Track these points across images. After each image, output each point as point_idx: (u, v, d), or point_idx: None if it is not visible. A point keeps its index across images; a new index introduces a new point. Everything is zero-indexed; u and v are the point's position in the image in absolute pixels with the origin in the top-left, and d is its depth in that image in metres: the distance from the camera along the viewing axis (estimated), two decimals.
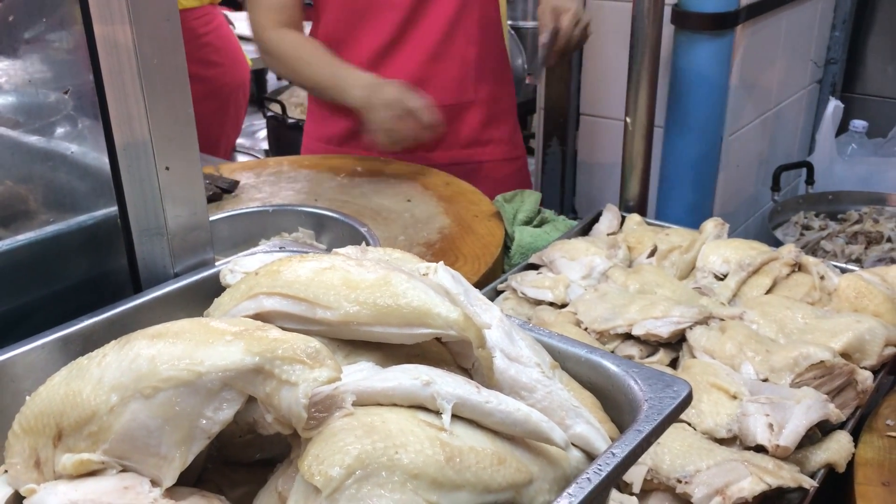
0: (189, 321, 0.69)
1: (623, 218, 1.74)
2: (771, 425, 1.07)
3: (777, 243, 1.64)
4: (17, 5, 0.93)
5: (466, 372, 0.75)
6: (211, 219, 1.07)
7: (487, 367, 0.73)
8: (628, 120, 1.89)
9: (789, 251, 1.48)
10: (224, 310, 0.78)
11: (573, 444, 0.73)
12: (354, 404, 0.64)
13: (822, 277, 1.43)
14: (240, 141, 4.22)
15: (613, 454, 0.68)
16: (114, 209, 0.97)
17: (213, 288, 0.92)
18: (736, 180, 2.59)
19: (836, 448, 1.11)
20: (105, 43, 0.90)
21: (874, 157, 2.79)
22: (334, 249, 0.88)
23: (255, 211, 1.62)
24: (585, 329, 1.33)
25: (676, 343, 1.31)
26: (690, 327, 1.29)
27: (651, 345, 1.31)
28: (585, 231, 1.73)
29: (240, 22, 3.82)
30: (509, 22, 2.23)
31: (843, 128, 2.85)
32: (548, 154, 2.78)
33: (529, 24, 3.48)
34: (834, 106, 2.75)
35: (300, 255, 0.80)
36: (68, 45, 0.93)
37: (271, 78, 5.39)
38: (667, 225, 1.69)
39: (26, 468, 0.68)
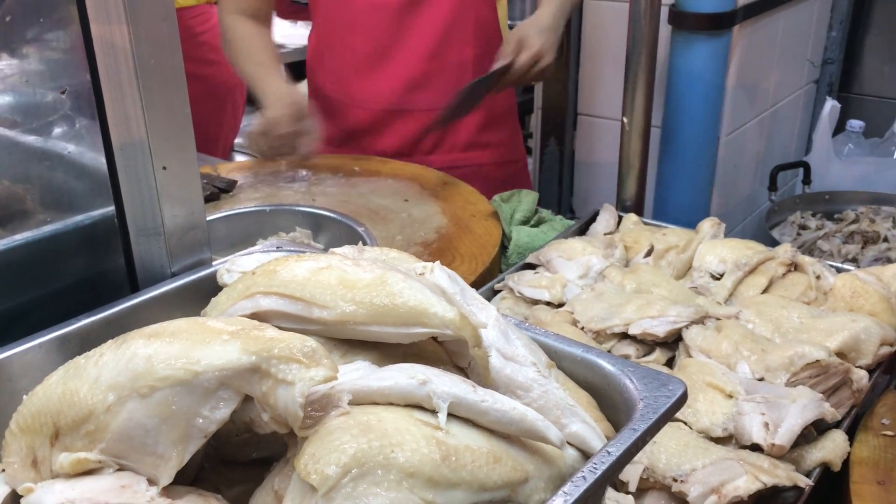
0: (186, 320, 0.69)
1: (620, 218, 1.74)
2: (766, 424, 1.07)
3: (774, 243, 1.64)
4: (15, 5, 0.94)
5: (462, 371, 0.75)
6: (208, 218, 1.07)
7: (483, 366, 0.74)
8: (625, 120, 1.89)
9: (785, 251, 1.49)
10: (221, 309, 0.78)
11: (569, 443, 0.73)
12: (351, 403, 0.65)
13: (818, 277, 1.43)
14: (238, 140, 4.21)
15: (609, 453, 0.68)
16: (111, 209, 0.97)
17: (211, 287, 0.92)
18: (733, 180, 2.60)
19: (832, 447, 1.11)
20: (102, 43, 0.90)
21: (871, 157, 2.80)
22: (331, 249, 0.88)
23: (253, 210, 1.63)
24: (582, 328, 1.33)
25: (673, 342, 1.32)
26: (687, 327, 1.29)
27: (647, 344, 1.31)
28: (582, 231, 1.73)
29: None
30: (508, 22, 2.23)
31: (839, 128, 2.86)
32: (545, 154, 2.78)
33: None
34: (831, 106, 2.76)
35: (297, 254, 0.80)
36: (65, 44, 0.93)
37: None
38: (664, 225, 1.70)
39: (23, 467, 0.69)
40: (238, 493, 0.71)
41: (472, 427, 0.67)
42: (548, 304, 1.45)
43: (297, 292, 0.73)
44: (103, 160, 0.95)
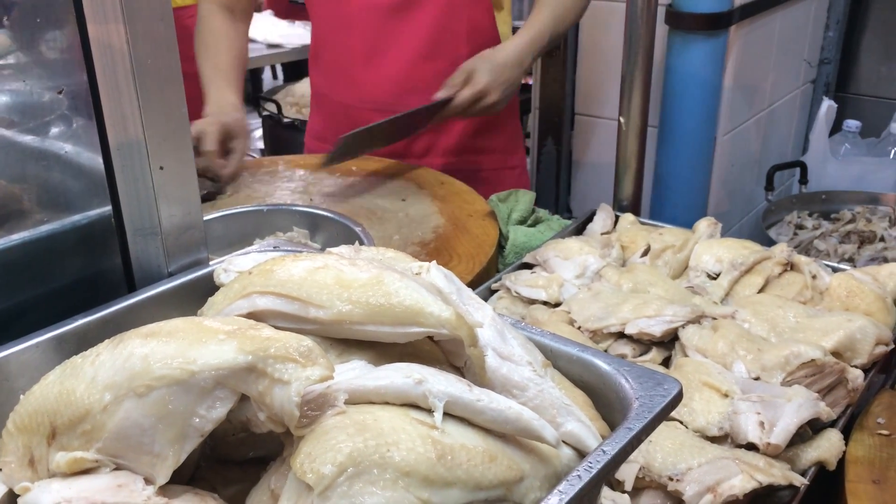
0: (182, 320, 0.69)
1: (617, 217, 1.75)
2: (762, 423, 1.08)
3: (770, 243, 1.64)
4: (12, 5, 0.94)
5: (458, 370, 0.75)
6: (205, 218, 1.07)
7: (479, 365, 0.74)
8: (622, 120, 1.89)
9: (781, 250, 1.49)
10: (217, 309, 0.79)
11: (564, 442, 0.73)
12: (347, 403, 0.65)
13: (813, 277, 1.44)
14: None
15: (604, 452, 0.68)
16: (108, 208, 0.97)
17: (207, 287, 0.92)
18: (730, 180, 2.60)
19: (827, 446, 1.12)
20: (99, 43, 0.90)
21: (867, 157, 2.80)
22: (328, 249, 0.88)
23: (250, 210, 1.63)
24: (579, 328, 1.34)
25: (669, 342, 1.32)
26: (683, 326, 1.30)
27: (644, 344, 1.32)
28: (579, 230, 1.73)
29: None
30: (515, 23, 2.23)
31: (836, 128, 2.86)
32: (543, 154, 2.79)
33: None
34: (827, 106, 2.76)
35: (294, 254, 0.80)
36: (62, 44, 0.93)
37: (267, 77, 5.40)
38: (660, 224, 1.70)
39: (20, 466, 0.69)
40: (234, 493, 0.72)
41: (468, 426, 0.67)
42: (545, 303, 1.45)
43: (294, 292, 0.73)
44: (100, 160, 0.95)
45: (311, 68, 2.25)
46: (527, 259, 1.58)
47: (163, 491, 0.66)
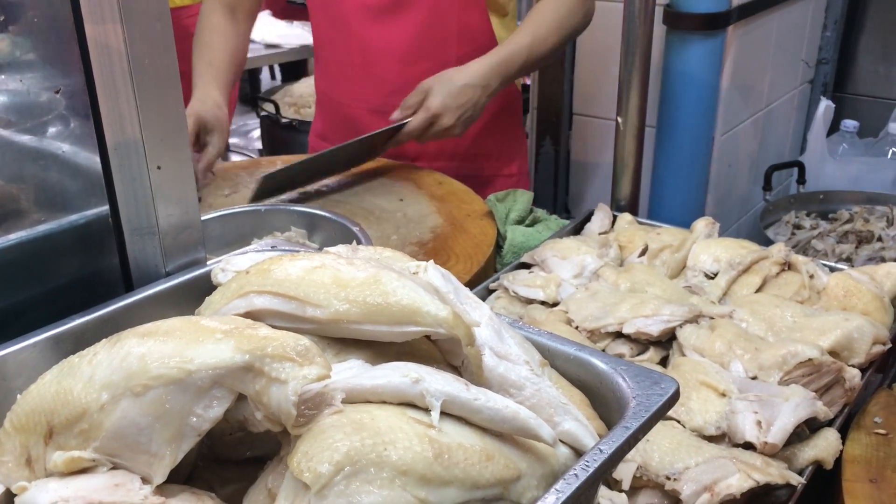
0: (180, 319, 0.69)
1: (615, 217, 1.75)
2: (759, 423, 1.08)
3: (768, 242, 1.65)
4: (9, 5, 0.94)
5: (456, 370, 0.75)
6: (203, 218, 1.07)
7: (476, 364, 0.74)
8: (620, 120, 1.90)
9: (779, 250, 1.49)
10: (215, 308, 0.79)
11: (561, 441, 0.73)
12: (344, 402, 0.65)
13: (811, 276, 1.44)
14: (233, 140, 4.21)
15: (601, 451, 0.68)
16: (105, 208, 0.98)
17: (205, 287, 0.92)
18: (727, 180, 2.60)
19: (824, 445, 1.12)
20: (96, 42, 0.90)
21: (865, 157, 2.81)
22: (325, 248, 0.88)
23: (248, 210, 1.62)
24: (576, 327, 1.34)
25: (667, 341, 1.32)
26: (680, 326, 1.30)
27: (641, 343, 1.32)
28: (577, 230, 1.74)
29: None
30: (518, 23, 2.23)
31: (834, 128, 2.86)
32: (541, 153, 2.79)
33: None
34: (825, 106, 2.76)
35: (291, 253, 0.80)
36: (59, 44, 0.93)
37: (265, 77, 5.40)
38: (658, 224, 1.70)
39: (17, 466, 0.69)
40: (232, 492, 0.72)
41: (465, 425, 0.67)
42: (542, 303, 1.45)
43: (291, 291, 0.73)
44: (98, 160, 0.95)
45: (315, 67, 2.25)
46: (525, 259, 1.58)
47: (160, 490, 0.66)
